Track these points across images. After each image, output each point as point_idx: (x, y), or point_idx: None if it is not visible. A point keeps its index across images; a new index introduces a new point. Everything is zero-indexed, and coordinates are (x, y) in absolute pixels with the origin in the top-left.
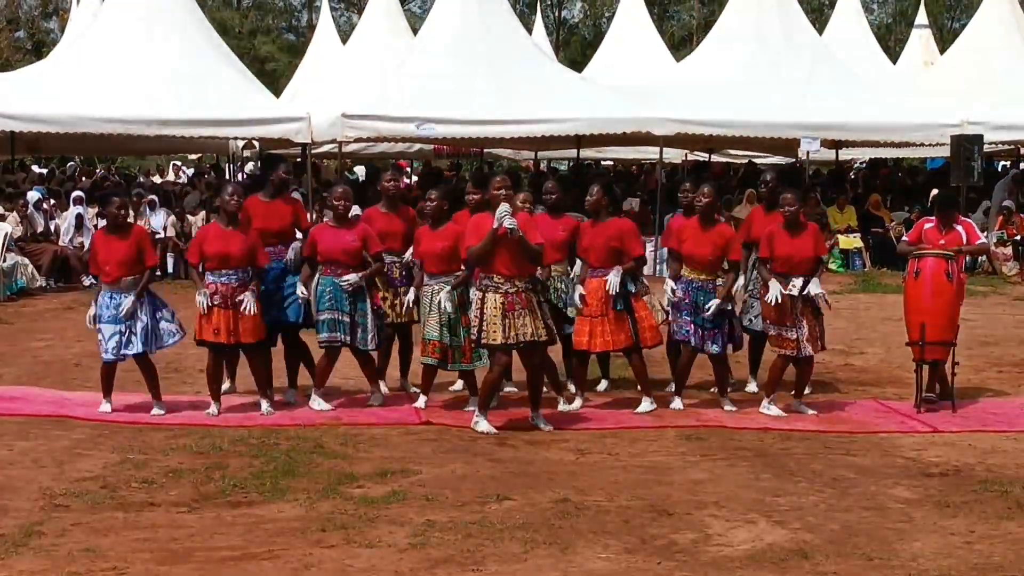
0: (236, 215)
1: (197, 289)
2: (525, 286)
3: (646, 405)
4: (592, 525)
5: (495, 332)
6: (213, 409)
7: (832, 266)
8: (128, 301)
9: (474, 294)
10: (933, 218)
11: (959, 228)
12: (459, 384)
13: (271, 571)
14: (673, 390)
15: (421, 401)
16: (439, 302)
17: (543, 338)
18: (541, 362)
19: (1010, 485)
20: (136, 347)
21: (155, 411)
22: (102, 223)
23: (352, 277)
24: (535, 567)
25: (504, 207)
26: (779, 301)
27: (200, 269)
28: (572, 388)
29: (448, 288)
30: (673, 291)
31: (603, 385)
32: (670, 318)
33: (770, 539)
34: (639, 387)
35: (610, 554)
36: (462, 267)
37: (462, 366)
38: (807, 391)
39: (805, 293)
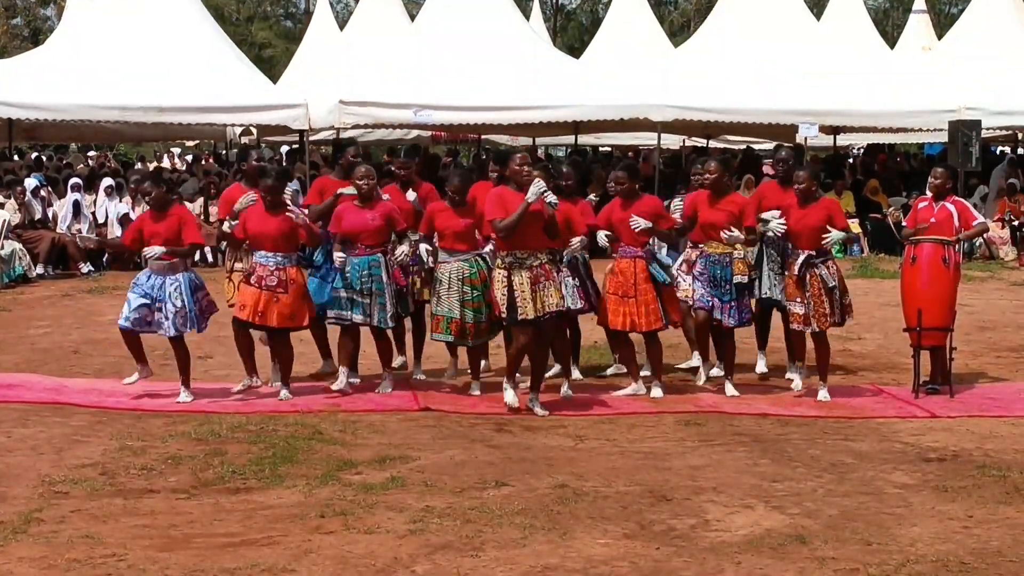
0: (278, 200)
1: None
2: (547, 258)
3: (657, 391)
4: (591, 511)
5: (527, 307)
6: (245, 382)
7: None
8: (158, 251)
9: (497, 272)
10: (927, 197)
11: (951, 207)
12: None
13: (270, 557)
14: (699, 363)
15: (475, 387)
16: (451, 277)
17: (565, 307)
18: (554, 338)
19: (1008, 470)
20: (169, 331)
21: (182, 397)
22: (102, 209)
23: (404, 248)
24: (534, 552)
25: (540, 183)
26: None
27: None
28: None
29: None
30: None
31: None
32: (690, 288)
33: (768, 524)
34: (653, 371)
35: (609, 539)
36: (482, 242)
37: (475, 342)
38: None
39: (815, 268)
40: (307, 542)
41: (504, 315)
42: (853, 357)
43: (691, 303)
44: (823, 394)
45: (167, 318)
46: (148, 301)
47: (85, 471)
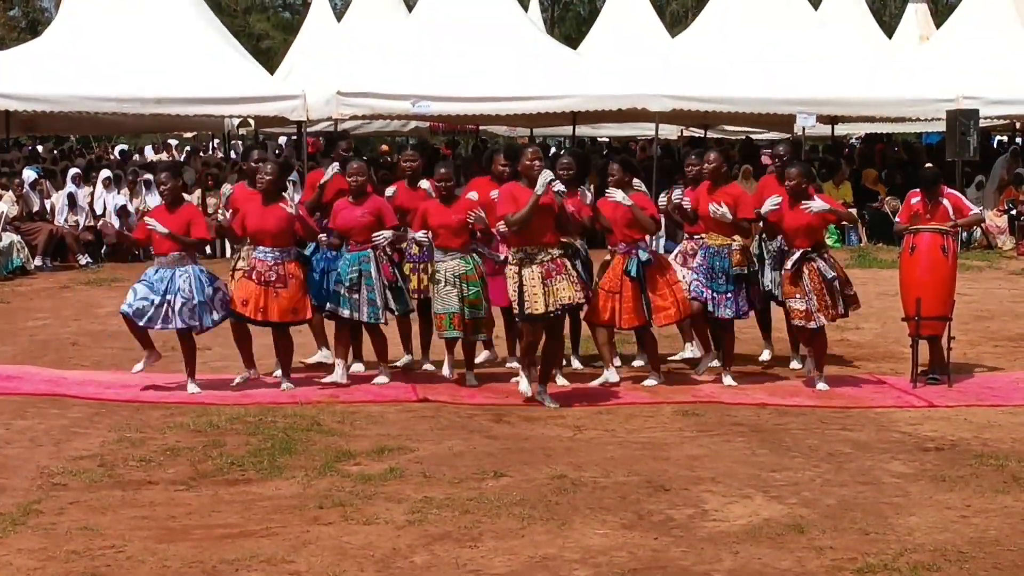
0: (275, 192)
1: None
2: (559, 252)
3: (652, 380)
4: (589, 501)
5: (537, 302)
6: (240, 378)
7: (828, 241)
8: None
9: (509, 269)
10: (919, 191)
11: (945, 202)
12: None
13: (268, 548)
14: (692, 354)
15: (445, 370)
16: (448, 275)
17: (581, 300)
18: (561, 331)
19: (1006, 459)
20: (176, 323)
21: (191, 389)
22: (100, 201)
23: (386, 233)
24: (532, 543)
25: (548, 173)
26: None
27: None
28: (576, 364)
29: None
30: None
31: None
32: (687, 279)
33: (766, 514)
34: (648, 362)
35: (607, 530)
36: (474, 238)
37: (483, 335)
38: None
39: (812, 262)
40: (306, 533)
41: (516, 310)
42: (851, 347)
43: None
44: (821, 384)
45: (174, 311)
46: (153, 296)
47: (84, 463)
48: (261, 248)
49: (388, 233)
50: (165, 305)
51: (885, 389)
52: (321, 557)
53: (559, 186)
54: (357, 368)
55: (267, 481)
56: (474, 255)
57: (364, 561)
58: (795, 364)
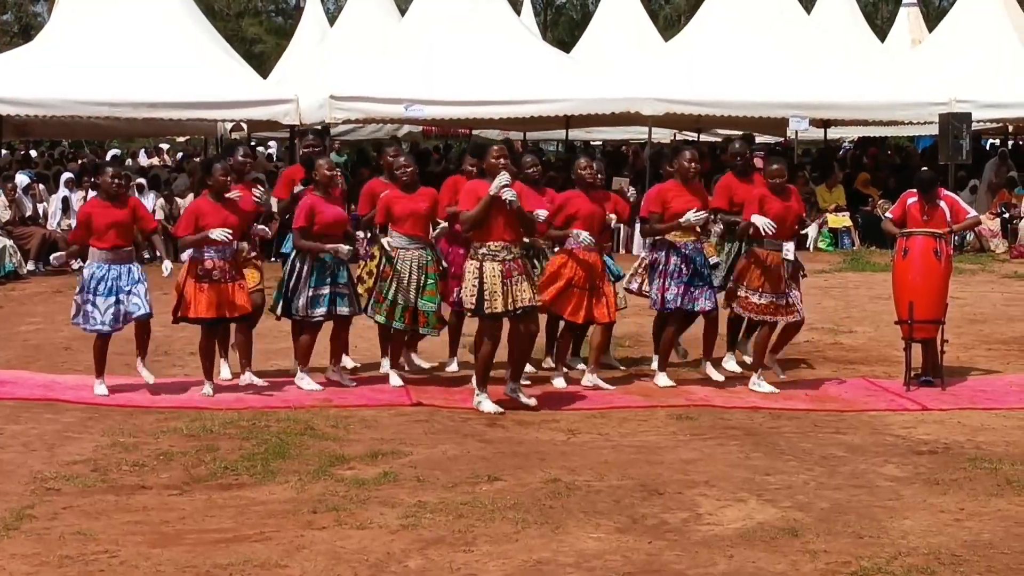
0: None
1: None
2: (520, 252)
3: (592, 378)
4: (583, 505)
5: (496, 300)
6: (208, 389)
7: (821, 245)
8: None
9: (470, 263)
10: (915, 192)
11: (942, 204)
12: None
13: (262, 553)
14: (656, 367)
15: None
16: (411, 265)
17: (540, 302)
18: (536, 330)
19: (999, 462)
20: (143, 308)
21: (145, 376)
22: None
23: (344, 249)
24: (526, 547)
25: (504, 176)
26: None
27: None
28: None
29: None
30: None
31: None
32: (654, 287)
33: (760, 518)
34: (592, 357)
35: (601, 533)
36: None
37: (432, 331)
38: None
39: (791, 258)
40: (299, 537)
41: (472, 307)
42: (844, 350)
43: (658, 305)
44: (756, 380)
45: (141, 299)
46: (115, 297)
47: (77, 467)
48: (217, 248)
49: (346, 249)
50: (130, 296)
51: (879, 392)
52: (315, 562)
53: (509, 195)
54: (347, 362)
55: (261, 486)
56: (432, 247)
57: (358, 566)
58: (731, 365)
